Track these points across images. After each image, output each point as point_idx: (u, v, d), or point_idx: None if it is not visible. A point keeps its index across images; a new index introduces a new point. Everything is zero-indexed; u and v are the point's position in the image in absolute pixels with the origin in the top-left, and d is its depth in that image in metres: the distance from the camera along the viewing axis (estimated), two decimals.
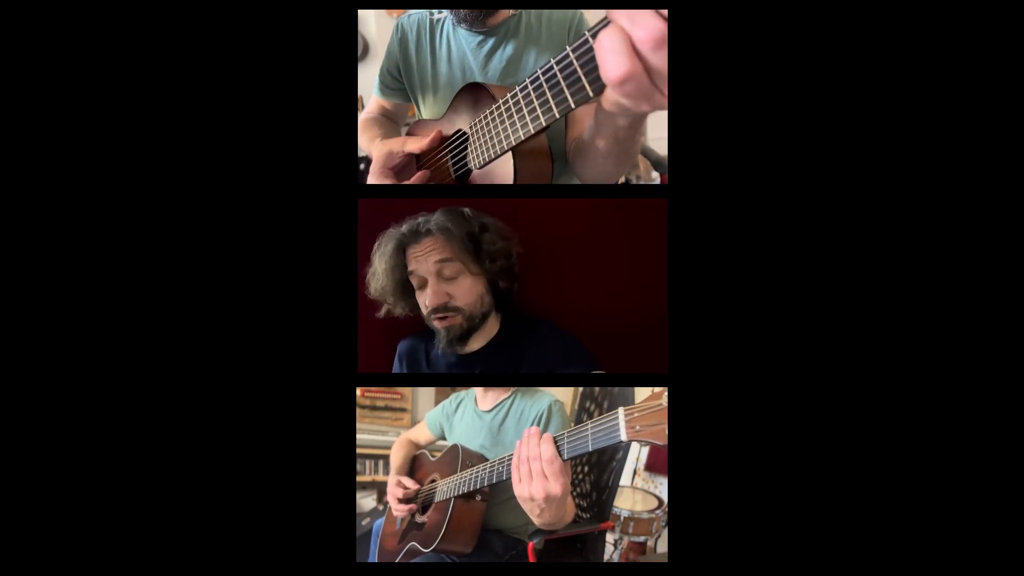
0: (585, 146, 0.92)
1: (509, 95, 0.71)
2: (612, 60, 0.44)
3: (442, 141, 1.00)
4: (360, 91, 2.69)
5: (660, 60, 0.43)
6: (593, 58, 0.50)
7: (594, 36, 0.50)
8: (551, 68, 0.57)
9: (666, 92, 0.46)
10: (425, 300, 0.94)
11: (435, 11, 1.20)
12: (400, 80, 1.26)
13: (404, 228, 0.97)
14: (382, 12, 2.92)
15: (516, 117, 0.71)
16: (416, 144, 0.99)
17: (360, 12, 2.90)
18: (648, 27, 0.42)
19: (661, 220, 0.96)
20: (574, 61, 0.54)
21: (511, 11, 1.13)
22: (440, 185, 1.07)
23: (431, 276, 0.93)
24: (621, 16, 0.44)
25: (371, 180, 1.04)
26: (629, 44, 0.43)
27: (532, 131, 0.68)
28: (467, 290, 0.94)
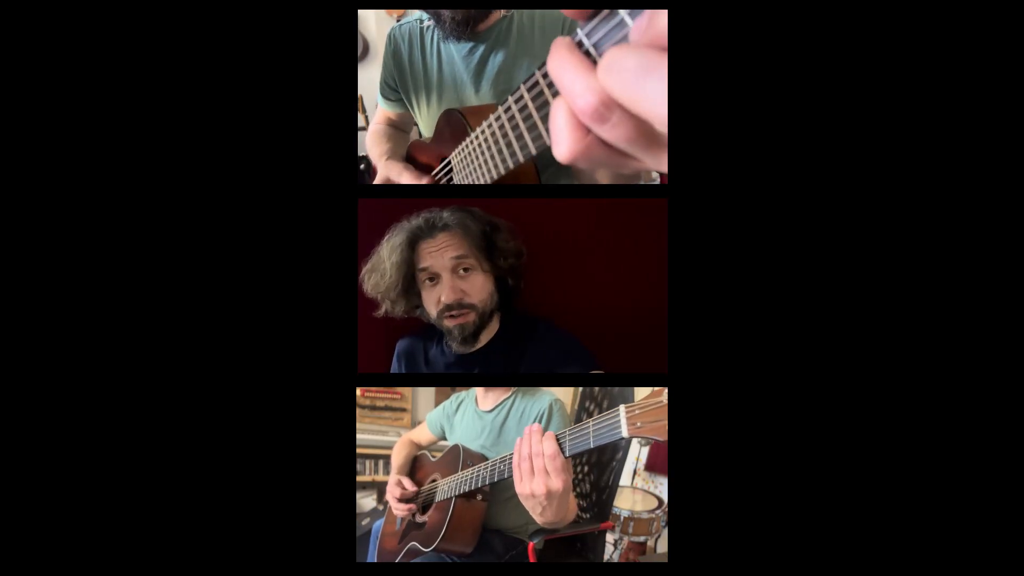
0: (584, 172, 0.92)
1: (479, 131, 0.70)
2: (556, 141, 0.36)
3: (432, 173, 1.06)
4: (360, 91, 2.69)
5: (611, 131, 0.33)
6: (546, 101, 0.43)
7: (544, 76, 0.43)
8: (510, 108, 0.51)
9: (645, 158, 0.35)
10: (438, 296, 0.93)
11: (425, 18, 1.19)
12: (398, 91, 1.26)
13: (418, 221, 0.96)
14: (382, 12, 2.93)
15: (487, 156, 0.69)
16: (409, 179, 1.09)
17: (360, 12, 2.91)
18: (583, 97, 0.33)
19: (661, 220, 0.96)
20: (529, 103, 0.47)
21: (502, 13, 1.12)
22: (440, 185, 1.07)
23: (446, 272, 0.92)
24: (564, 77, 0.34)
25: None
26: (573, 120, 0.35)
27: (511, 166, 0.66)
28: (479, 287, 0.94)
